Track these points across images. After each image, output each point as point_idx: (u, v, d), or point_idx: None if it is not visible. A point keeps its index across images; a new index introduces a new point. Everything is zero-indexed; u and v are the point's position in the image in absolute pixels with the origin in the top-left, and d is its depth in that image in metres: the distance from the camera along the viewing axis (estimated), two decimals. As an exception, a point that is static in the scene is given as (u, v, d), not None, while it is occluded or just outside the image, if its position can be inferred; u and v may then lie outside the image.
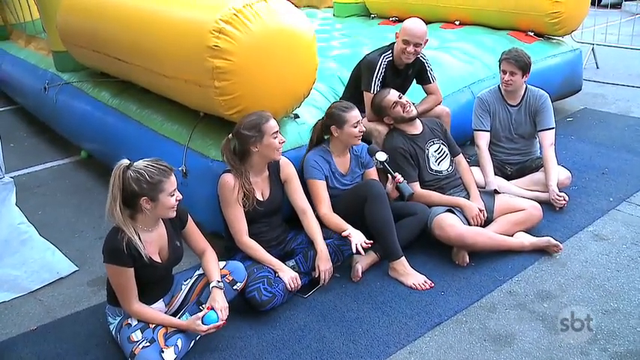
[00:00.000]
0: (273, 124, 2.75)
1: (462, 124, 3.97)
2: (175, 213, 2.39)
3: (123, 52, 3.58)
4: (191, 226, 2.60)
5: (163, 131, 3.50)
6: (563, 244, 3.10)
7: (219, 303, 2.41)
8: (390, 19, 6.49)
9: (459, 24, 5.74)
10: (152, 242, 2.40)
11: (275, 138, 2.76)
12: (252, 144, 2.72)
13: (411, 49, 3.45)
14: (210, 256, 2.60)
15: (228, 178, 2.75)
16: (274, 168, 2.92)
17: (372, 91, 3.48)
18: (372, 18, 6.82)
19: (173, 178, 2.32)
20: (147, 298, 2.44)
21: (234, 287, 2.55)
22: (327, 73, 4.32)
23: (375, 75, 3.49)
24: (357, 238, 2.77)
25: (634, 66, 7.08)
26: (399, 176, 3.08)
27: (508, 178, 3.72)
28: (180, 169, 3.22)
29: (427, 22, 6.00)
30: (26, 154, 5.20)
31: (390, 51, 3.57)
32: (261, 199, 2.86)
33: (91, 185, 4.43)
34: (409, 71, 3.67)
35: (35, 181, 4.59)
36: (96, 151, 4.51)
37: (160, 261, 2.42)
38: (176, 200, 2.34)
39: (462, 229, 2.94)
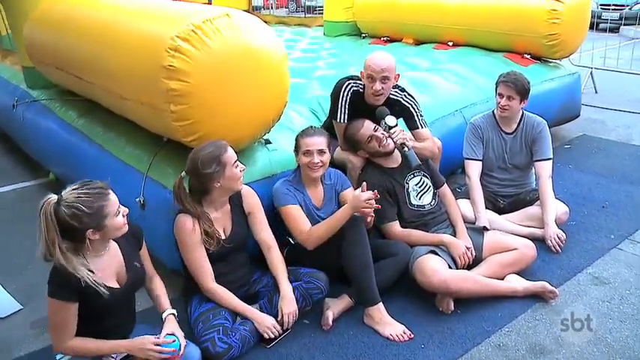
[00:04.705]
0: (231, 152, 2.48)
1: (452, 151, 3.67)
2: (128, 227, 2.12)
3: (82, 70, 3.31)
4: (144, 248, 2.37)
5: (123, 156, 3.21)
6: (559, 289, 2.79)
7: (178, 331, 2.21)
8: (382, 38, 6.27)
9: (453, 45, 5.51)
10: (105, 267, 2.12)
11: (236, 167, 2.48)
12: (214, 180, 2.44)
13: (377, 86, 2.98)
14: (160, 282, 2.41)
15: (185, 220, 2.46)
16: (236, 199, 2.63)
17: (339, 121, 3.14)
18: (363, 37, 6.60)
19: (112, 195, 2.06)
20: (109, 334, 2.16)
21: None
22: (311, 94, 4.06)
23: (340, 103, 3.14)
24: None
25: (634, 91, 6.83)
26: (408, 144, 2.88)
27: (500, 211, 3.42)
28: (137, 200, 2.92)
29: (420, 43, 5.92)
30: (-8, 175, 4.92)
31: (360, 81, 3.17)
32: (223, 236, 2.56)
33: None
34: None
35: (-2, 203, 4.30)
36: (60, 174, 4.22)
37: (117, 286, 2.15)
38: (123, 216, 2.08)
39: (445, 274, 2.63)
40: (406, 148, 2.91)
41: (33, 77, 4.63)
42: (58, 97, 4.34)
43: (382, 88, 3.01)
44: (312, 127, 2.92)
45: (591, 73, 7.01)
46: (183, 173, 2.49)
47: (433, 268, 2.64)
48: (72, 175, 3.82)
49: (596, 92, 6.91)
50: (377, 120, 3.01)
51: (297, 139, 2.80)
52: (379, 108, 3.05)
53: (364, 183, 2.62)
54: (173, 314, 2.29)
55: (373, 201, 2.55)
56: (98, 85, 3.18)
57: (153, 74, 2.51)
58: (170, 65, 2.44)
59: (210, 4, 7.78)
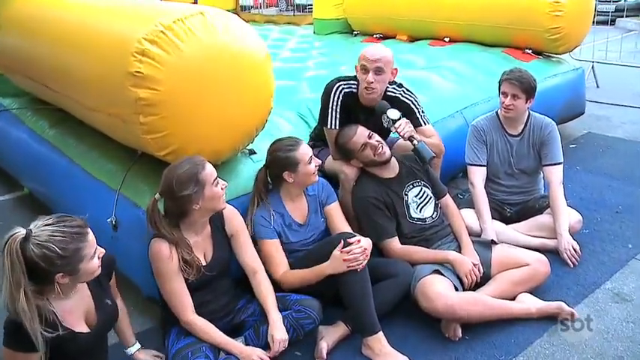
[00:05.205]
0: (210, 168, 2.20)
1: (453, 155, 3.40)
2: (100, 269, 1.86)
3: (48, 78, 3.03)
4: (113, 280, 2.12)
5: (94, 172, 2.92)
6: (576, 308, 2.53)
7: None
8: (374, 36, 5.99)
9: (449, 41, 5.24)
10: (72, 310, 1.87)
11: (217, 185, 2.21)
12: (192, 202, 2.16)
13: (370, 77, 2.72)
14: (124, 313, 2.22)
15: (161, 246, 2.18)
16: (217, 221, 2.36)
17: (330, 127, 2.87)
18: (355, 35, 6.32)
19: (90, 235, 1.79)
20: None
21: None
22: (300, 97, 3.78)
23: (331, 107, 2.86)
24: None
25: (637, 84, 6.58)
26: (416, 136, 2.63)
27: (507, 221, 3.15)
28: (109, 220, 2.64)
29: (414, 39, 5.64)
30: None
31: (353, 81, 2.91)
32: (204, 262, 2.29)
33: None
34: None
35: (-34, 222, 4.00)
36: (32, 188, 3.92)
37: (87, 330, 1.89)
38: (98, 258, 1.82)
39: (452, 299, 2.36)
40: (416, 141, 2.65)
41: (3, 84, 4.32)
42: (29, 105, 4.05)
43: (376, 80, 2.74)
44: (288, 138, 2.64)
45: (592, 67, 6.76)
46: (158, 195, 2.21)
47: (437, 291, 2.37)
48: (42, 190, 3.56)
49: (597, 87, 6.66)
50: (377, 115, 2.75)
51: (287, 157, 2.50)
52: (379, 102, 2.79)
53: (342, 242, 2.32)
54: (141, 349, 2.15)
55: (361, 251, 2.30)
56: (64, 95, 2.90)
57: (119, 82, 2.23)
58: (137, 71, 2.16)
59: (196, 3, 7.50)
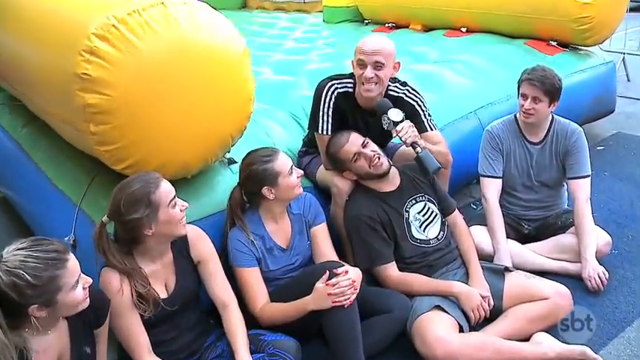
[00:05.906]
0: (166, 188, 1.88)
1: (466, 161, 3.03)
2: (89, 302, 1.64)
3: (8, 75, 2.73)
4: (105, 326, 1.84)
5: (57, 181, 2.62)
6: (602, 352, 2.16)
7: None
8: (386, 25, 5.60)
9: (466, 31, 4.83)
10: (47, 349, 1.66)
11: (174, 207, 1.88)
12: (143, 227, 1.85)
13: (369, 72, 2.38)
14: None
15: (111, 278, 1.87)
16: (180, 244, 2.03)
17: (321, 132, 2.52)
18: (366, 24, 5.93)
19: (71, 262, 1.58)
20: None
21: None
22: (295, 95, 3.43)
23: (322, 109, 2.52)
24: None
25: (673, 78, 6.08)
26: (421, 143, 2.27)
27: (524, 238, 2.79)
28: (66, 239, 2.34)
29: (429, 29, 5.24)
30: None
31: (349, 79, 2.57)
32: (164, 294, 1.97)
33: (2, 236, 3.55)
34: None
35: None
36: (5, 193, 3.63)
37: None
38: (84, 288, 1.60)
39: (453, 344, 2.01)
40: (419, 149, 2.29)
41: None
42: (7, 101, 3.77)
43: (376, 76, 2.38)
44: (263, 149, 2.30)
45: (623, 59, 6.26)
46: (105, 217, 1.90)
47: (436, 335, 2.02)
48: (12, 196, 3.28)
49: (629, 80, 6.16)
50: (379, 118, 2.40)
51: (264, 169, 2.17)
52: (379, 100, 2.44)
53: (327, 272, 1.98)
54: None
55: (348, 284, 1.97)
56: (24, 95, 2.60)
57: (65, 85, 1.92)
58: (84, 73, 1.84)
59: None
